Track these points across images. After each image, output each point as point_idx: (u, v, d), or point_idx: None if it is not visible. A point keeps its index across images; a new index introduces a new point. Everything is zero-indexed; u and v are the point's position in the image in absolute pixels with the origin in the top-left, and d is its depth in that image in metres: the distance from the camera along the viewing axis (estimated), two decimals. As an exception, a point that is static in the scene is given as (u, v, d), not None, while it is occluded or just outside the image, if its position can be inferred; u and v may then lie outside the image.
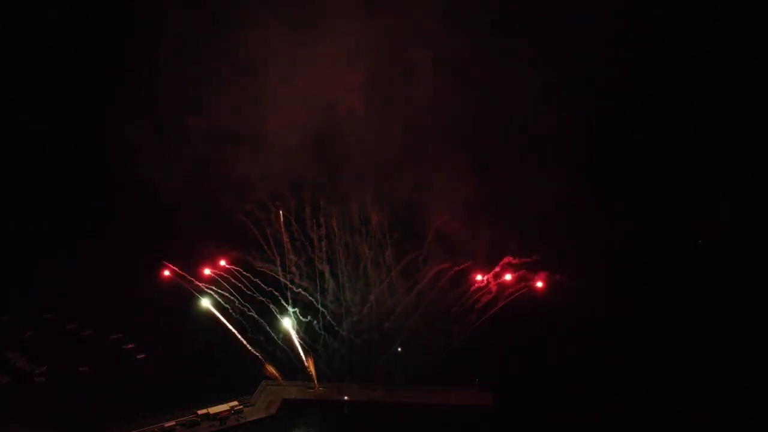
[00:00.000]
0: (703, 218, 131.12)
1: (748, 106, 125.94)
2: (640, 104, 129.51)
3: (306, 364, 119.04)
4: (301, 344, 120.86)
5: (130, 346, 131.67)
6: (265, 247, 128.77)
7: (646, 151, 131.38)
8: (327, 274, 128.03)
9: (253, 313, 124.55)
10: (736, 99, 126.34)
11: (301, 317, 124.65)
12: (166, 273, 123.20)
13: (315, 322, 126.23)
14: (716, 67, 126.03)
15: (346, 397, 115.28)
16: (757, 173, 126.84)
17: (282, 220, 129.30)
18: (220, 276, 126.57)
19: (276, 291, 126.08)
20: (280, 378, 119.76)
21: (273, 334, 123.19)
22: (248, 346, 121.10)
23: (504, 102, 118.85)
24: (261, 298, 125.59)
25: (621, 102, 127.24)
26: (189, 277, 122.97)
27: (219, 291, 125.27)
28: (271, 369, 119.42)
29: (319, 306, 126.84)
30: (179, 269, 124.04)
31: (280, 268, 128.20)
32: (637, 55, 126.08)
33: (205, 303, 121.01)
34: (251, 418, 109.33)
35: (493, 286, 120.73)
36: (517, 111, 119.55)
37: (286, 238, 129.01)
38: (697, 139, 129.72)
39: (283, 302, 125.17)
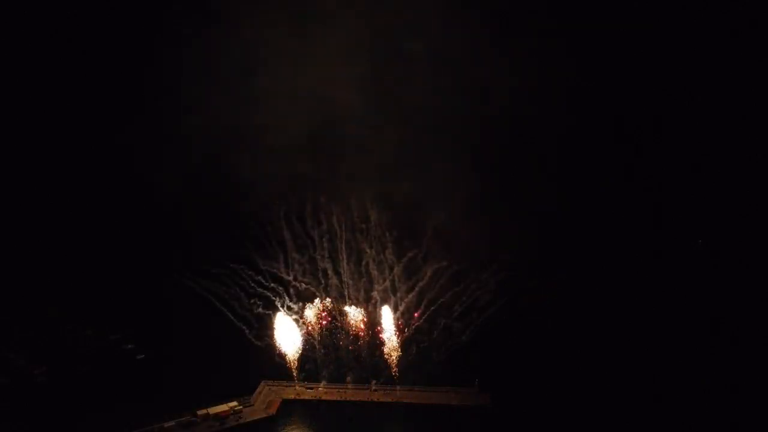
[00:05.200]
0: (703, 218, 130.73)
1: (748, 106, 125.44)
2: (641, 104, 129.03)
3: (306, 363, 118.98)
4: (302, 343, 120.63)
5: (130, 346, 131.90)
6: (268, 245, 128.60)
7: (646, 152, 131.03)
8: (329, 272, 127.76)
9: (255, 312, 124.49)
10: (736, 99, 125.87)
11: (303, 316, 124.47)
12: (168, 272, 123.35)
13: (316, 320, 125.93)
14: (717, 67, 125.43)
15: (345, 397, 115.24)
16: (757, 173, 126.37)
17: (283, 217, 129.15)
18: (221, 274, 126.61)
19: (278, 289, 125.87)
20: (279, 378, 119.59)
21: (274, 334, 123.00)
22: (248, 345, 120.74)
23: (503, 101, 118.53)
24: (265, 295, 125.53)
25: (622, 102, 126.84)
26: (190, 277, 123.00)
27: (220, 290, 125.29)
28: (271, 369, 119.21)
29: (323, 303, 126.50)
30: (180, 268, 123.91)
31: (282, 266, 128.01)
32: (641, 53, 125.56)
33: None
34: (251, 419, 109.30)
35: (491, 285, 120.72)
36: (516, 111, 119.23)
37: (287, 235, 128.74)
38: (697, 139, 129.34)
39: (286, 300, 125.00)
